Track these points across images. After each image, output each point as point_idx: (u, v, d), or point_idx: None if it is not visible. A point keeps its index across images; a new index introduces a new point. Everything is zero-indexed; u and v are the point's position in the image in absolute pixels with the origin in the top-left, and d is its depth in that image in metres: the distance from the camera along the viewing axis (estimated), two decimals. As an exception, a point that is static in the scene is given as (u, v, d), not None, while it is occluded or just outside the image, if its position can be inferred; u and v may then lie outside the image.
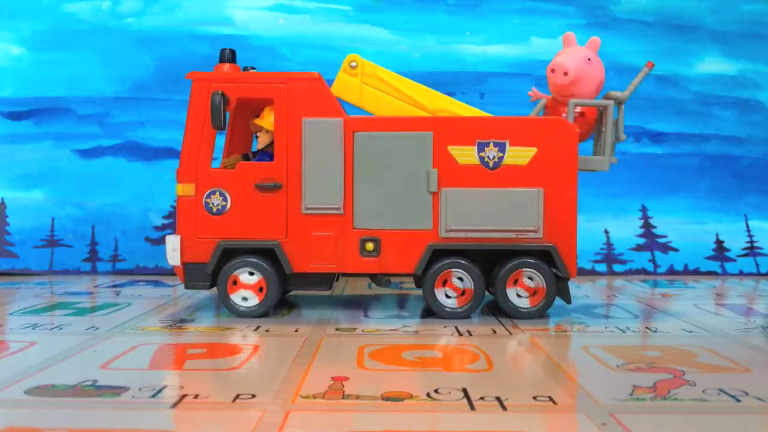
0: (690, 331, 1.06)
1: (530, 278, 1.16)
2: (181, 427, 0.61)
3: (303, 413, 0.64)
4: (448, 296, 1.16)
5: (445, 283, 1.16)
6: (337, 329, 1.05)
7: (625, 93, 1.23)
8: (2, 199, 1.90)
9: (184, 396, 0.69)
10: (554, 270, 1.17)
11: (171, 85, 1.88)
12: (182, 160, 1.16)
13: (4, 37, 1.91)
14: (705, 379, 0.77)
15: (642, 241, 1.97)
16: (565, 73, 1.19)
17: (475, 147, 1.15)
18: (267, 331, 1.04)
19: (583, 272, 1.89)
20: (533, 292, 1.17)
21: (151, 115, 1.91)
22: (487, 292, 1.20)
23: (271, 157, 1.16)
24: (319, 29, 1.95)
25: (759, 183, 2.01)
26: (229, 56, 1.20)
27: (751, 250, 1.97)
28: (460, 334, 1.02)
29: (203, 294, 1.42)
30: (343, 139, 1.14)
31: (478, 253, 1.17)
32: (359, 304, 1.32)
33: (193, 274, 1.16)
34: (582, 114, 1.22)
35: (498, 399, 0.68)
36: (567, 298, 1.20)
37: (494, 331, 1.05)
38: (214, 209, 1.15)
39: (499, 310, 1.19)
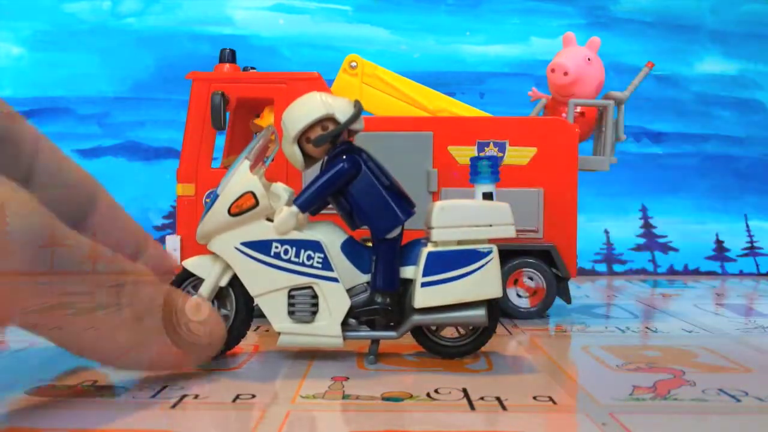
0: (690, 331, 1.06)
1: (530, 278, 1.17)
2: (181, 427, 0.61)
3: (303, 413, 0.64)
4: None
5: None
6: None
7: (625, 93, 1.23)
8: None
9: (184, 396, 0.69)
10: (554, 270, 1.17)
11: (171, 85, 1.88)
12: (182, 160, 1.16)
13: (4, 37, 1.91)
14: (705, 379, 0.77)
15: (642, 241, 1.97)
16: (565, 73, 1.19)
17: (475, 147, 1.15)
18: (267, 331, 1.04)
19: (583, 272, 1.89)
20: (533, 292, 1.17)
21: (151, 115, 1.91)
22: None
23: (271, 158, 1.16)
24: (319, 29, 1.95)
25: (759, 183, 2.01)
26: (229, 56, 1.20)
27: (751, 250, 1.97)
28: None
29: (203, 294, 1.41)
30: (343, 139, 1.14)
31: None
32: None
33: (193, 274, 1.16)
34: (582, 114, 1.22)
35: (498, 399, 0.68)
36: (567, 298, 1.20)
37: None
38: (214, 209, 1.14)
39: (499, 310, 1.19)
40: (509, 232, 0.83)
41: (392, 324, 0.83)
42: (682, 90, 2.01)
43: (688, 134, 2.01)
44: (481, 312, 0.82)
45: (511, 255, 1.16)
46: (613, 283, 1.72)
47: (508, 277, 1.16)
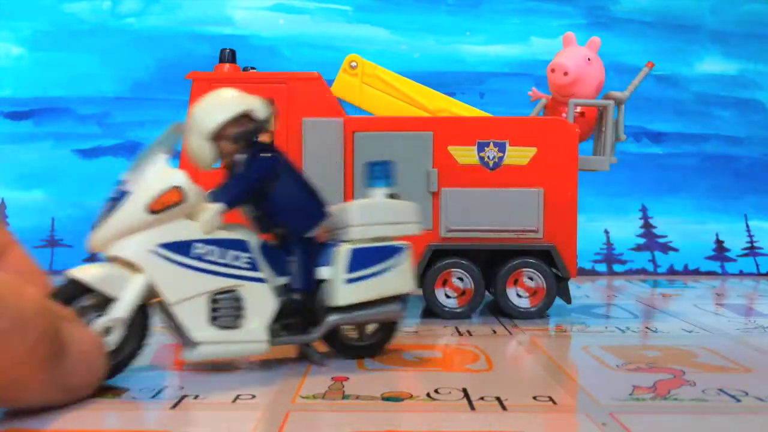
0: (690, 331, 1.06)
1: (530, 278, 1.16)
2: (181, 428, 0.61)
3: (303, 413, 0.64)
4: (447, 296, 1.16)
5: (445, 283, 1.16)
6: (337, 329, 1.05)
7: (625, 93, 1.23)
8: (2, 199, 1.90)
9: (184, 396, 0.69)
10: (554, 270, 1.17)
11: (171, 85, 1.88)
12: (182, 160, 1.16)
13: (4, 37, 1.91)
14: (705, 379, 0.77)
15: (642, 241, 1.97)
16: (565, 73, 1.19)
17: (475, 147, 1.15)
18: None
19: (583, 272, 1.89)
20: (533, 292, 1.17)
21: (151, 115, 1.91)
22: (486, 293, 1.20)
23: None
24: (319, 29, 1.95)
25: (759, 183, 2.01)
26: (229, 56, 1.20)
27: (751, 250, 1.97)
28: (460, 334, 1.02)
29: (203, 294, 1.41)
30: (343, 139, 1.14)
31: (477, 253, 1.17)
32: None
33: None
34: (582, 114, 1.22)
35: (498, 399, 0.68)
36: (567, 298, 1.20)
37: (494, 331, 1.05)
38: (214, 209, 1.14)
39: (499, 310, 1.19)
40: (415, 229, 0.86)
41: (305, 327, 0.81)
42: (682, 90, 2.01)
43: (688, 134, 2.01)
44: (397, 306, 0.84)
45: (510, 255, 1.16)
46: (613, 283, 1.72)
47: (508, 277, 1.16)
